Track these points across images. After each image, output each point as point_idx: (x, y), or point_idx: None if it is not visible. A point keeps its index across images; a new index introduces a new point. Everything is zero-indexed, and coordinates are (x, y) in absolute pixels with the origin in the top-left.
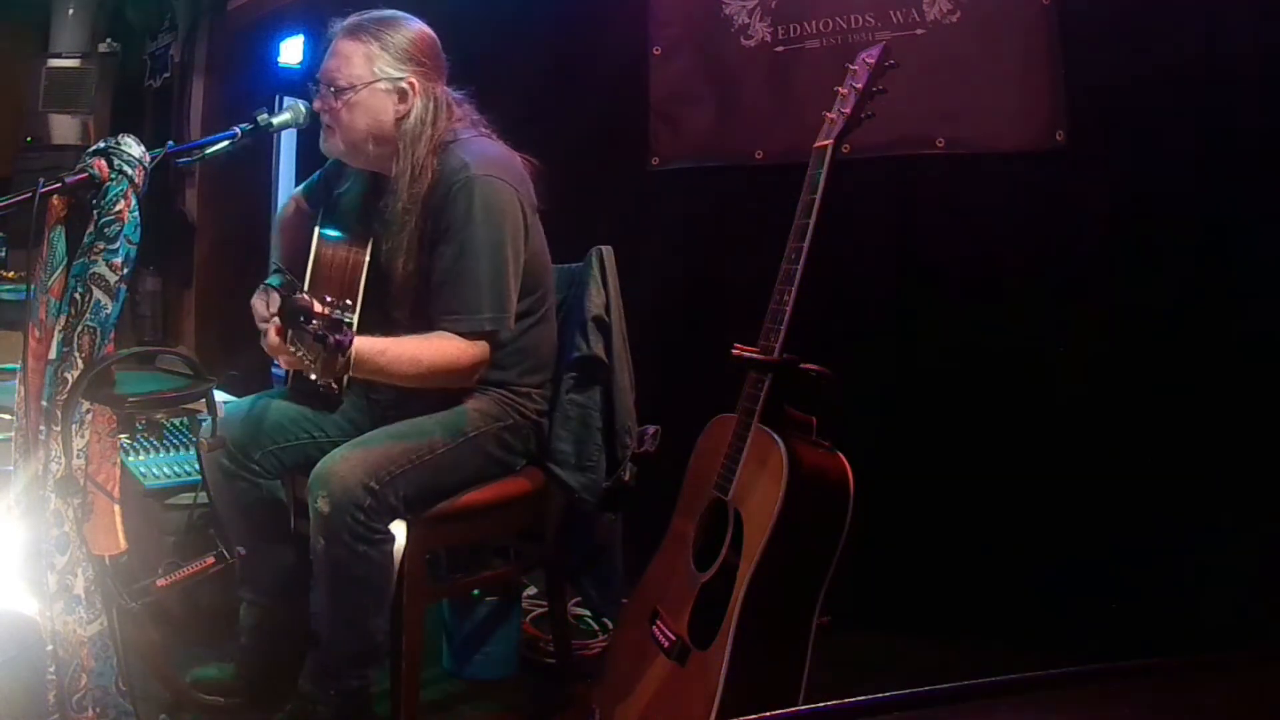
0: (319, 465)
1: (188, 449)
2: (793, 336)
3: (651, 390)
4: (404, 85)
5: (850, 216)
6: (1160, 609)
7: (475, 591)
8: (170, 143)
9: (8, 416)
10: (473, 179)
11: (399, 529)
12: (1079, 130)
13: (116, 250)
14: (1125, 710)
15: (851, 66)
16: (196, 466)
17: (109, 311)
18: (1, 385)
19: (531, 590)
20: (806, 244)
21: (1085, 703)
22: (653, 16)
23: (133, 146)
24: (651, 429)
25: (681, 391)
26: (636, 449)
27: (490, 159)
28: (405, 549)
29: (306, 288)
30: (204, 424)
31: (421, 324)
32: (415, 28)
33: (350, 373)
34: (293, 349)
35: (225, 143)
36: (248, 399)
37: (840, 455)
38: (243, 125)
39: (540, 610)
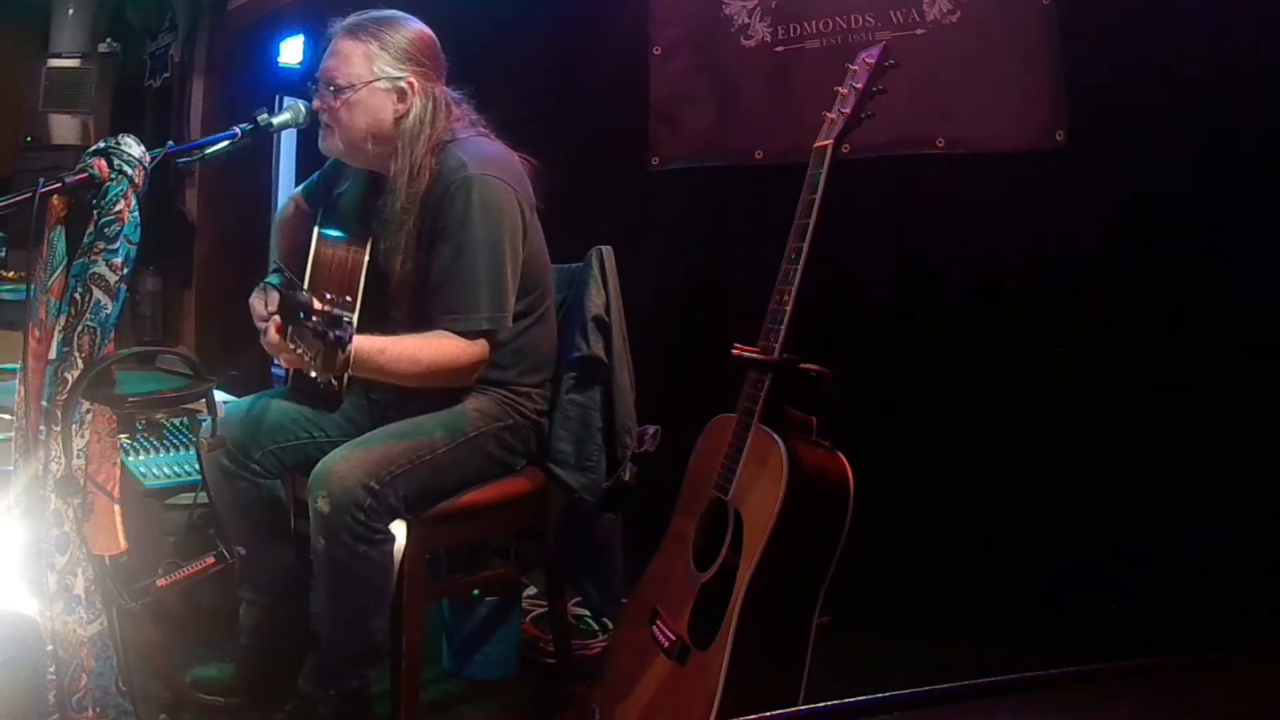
0: (319, 465)
1: (188, 449)
2: (793, 336)
3: (651, 390)
4: (403, 85)
5: (850, 216)
6: (1160, 609)
7: (475, 591)
8: (170, 143)
9: (8, 416)
10: (470, 178)
11: (399, 529)
12: (1079, 130)
13: (116, 250)
14: (1125, 710)
15: (851, 66)
16: (196, 466)
17: (109, 311)
18: (1, 385)
19: (531, 590)
20: (806, 244)
21: (1085, 703)
22: (653, 16)
23: (133, 146)
24: (651, 429)
25: (681, 391)
26: (636, 449)
27: (488, 158)
28: (405, 549)
29: (306, 287)
30: (204, 424)
31: (419, 323)
32: (414, 28)
33: (350, 371)
34: (292, 346)
35: (225, 143)
36: (247, 399)
37: (840, 455)
38: (243, 125)
39: (540, 610)
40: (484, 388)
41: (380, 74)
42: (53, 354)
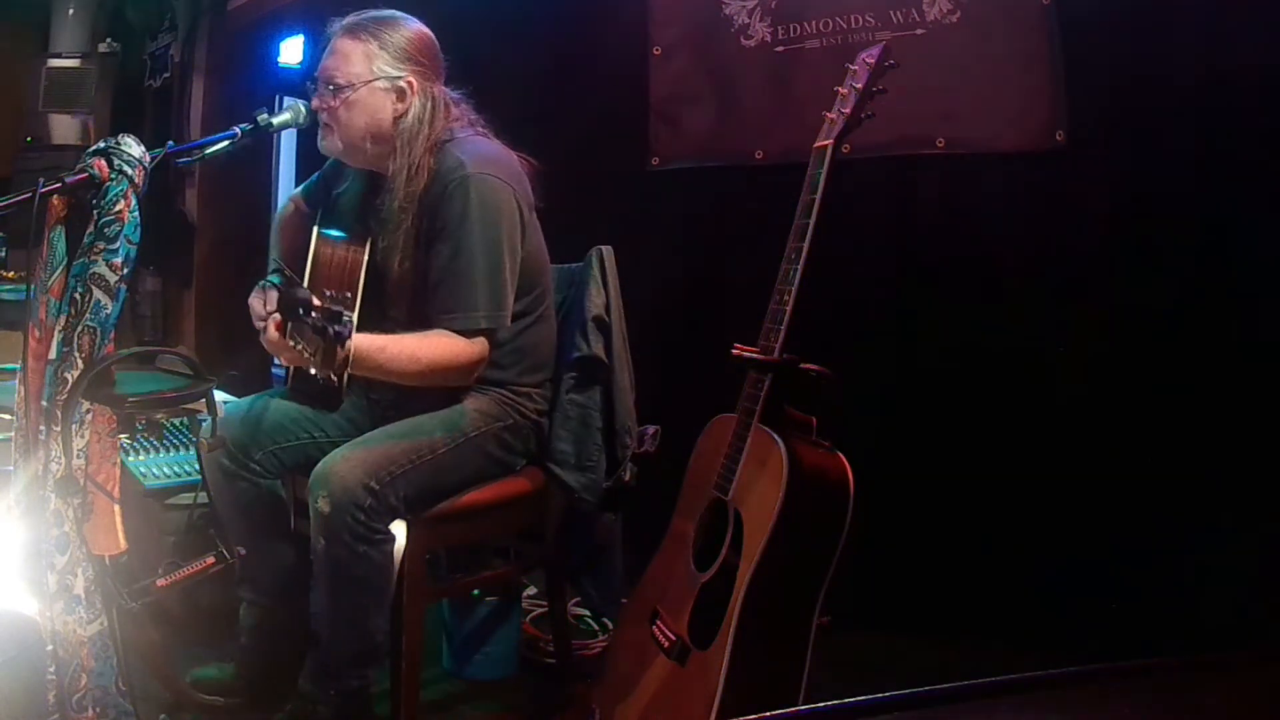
0: (319, 465)
1: (188, 449)
2: (793, 336)
3: (651, 390)
4: (402, 84)
5: (850, 216)
6: (1160, 609)
7: (475, 591)
8: (170, 143)
9: (8, 416)
10: (469, 177)
11: (399, 529)
12: (1079, 130)
13: (116, 250)
14: (1125, 710)
15: (851, 66)
16: (196, 466)
17: (109, 311)
18: (1, 385)
19: (531, 590)
20: (806, 244)
21: (1085, 703)
22: (653, 16)
23: (133, 146)
24: (651, 429)
25: (681, 391)
26: (636, 449)
27: (486, 157)
28: (405, 549)
29: (306, 285)
30: (204, 424)
31: (418, 322)
32: (413, 27)
33: (350, 369)
34: (292, 343)
35: (225, 143)
36: (247, 399)
37: (840, 455)
38: (243, 125)
39: (540, 610)
40: (484, 388)
41: (379, 73)
42: (53, 354)
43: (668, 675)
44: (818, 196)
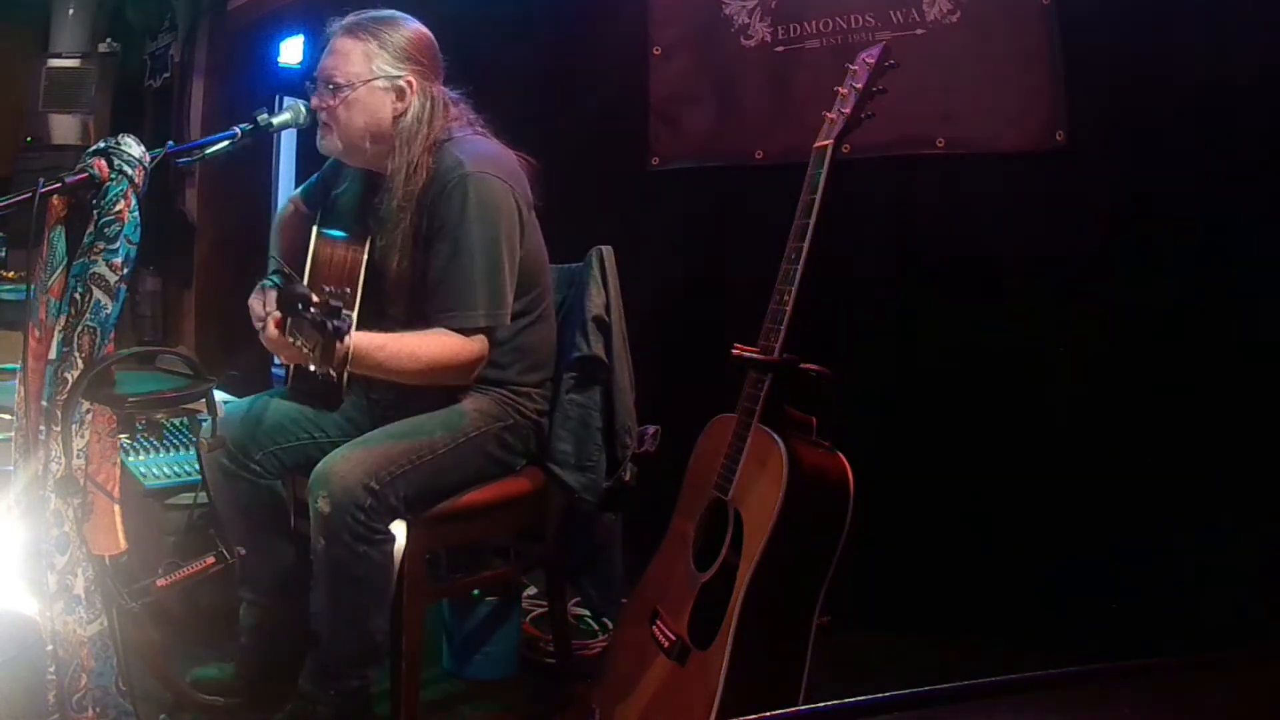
0: (319, 465)
1: (188, 449)
2: (793, 336)
3: (651, 390)
4: (402, 83)
5: (850, 216)
6: (1160, 609)
7: (475, 591)
8: (170, 143)
9: (8, 416)
10: (467, 176)
11: (399, 529)
12: (1079, 130)
13: (116, 250)
14: (1125, 710)
15: (851, 66)
16: (196, 466)
17: (109, 311)
18: (1, 385)
19: (531, 590)
20: (806, 244)
21: (1085, 703)
22: (653, 16)
23: (133, 146)
24: (651, 429)
25: (681, 391)
26: (636, 449)
27: (485, 156)
28: (405, 549)
29: (305, 284)
30: (204, 424)
31: (416, 321)
32: (412, 27)
33: (349, 367)
34: (291, 339)
35: (225, 143)
36: (247, 399)
37: (840, 455)
38: (243, 125)
39: (540, 610)
40: (484, 388)
41: (379, 73)
42: (53, 354)
43: (668, 675)
44: (818, 196)
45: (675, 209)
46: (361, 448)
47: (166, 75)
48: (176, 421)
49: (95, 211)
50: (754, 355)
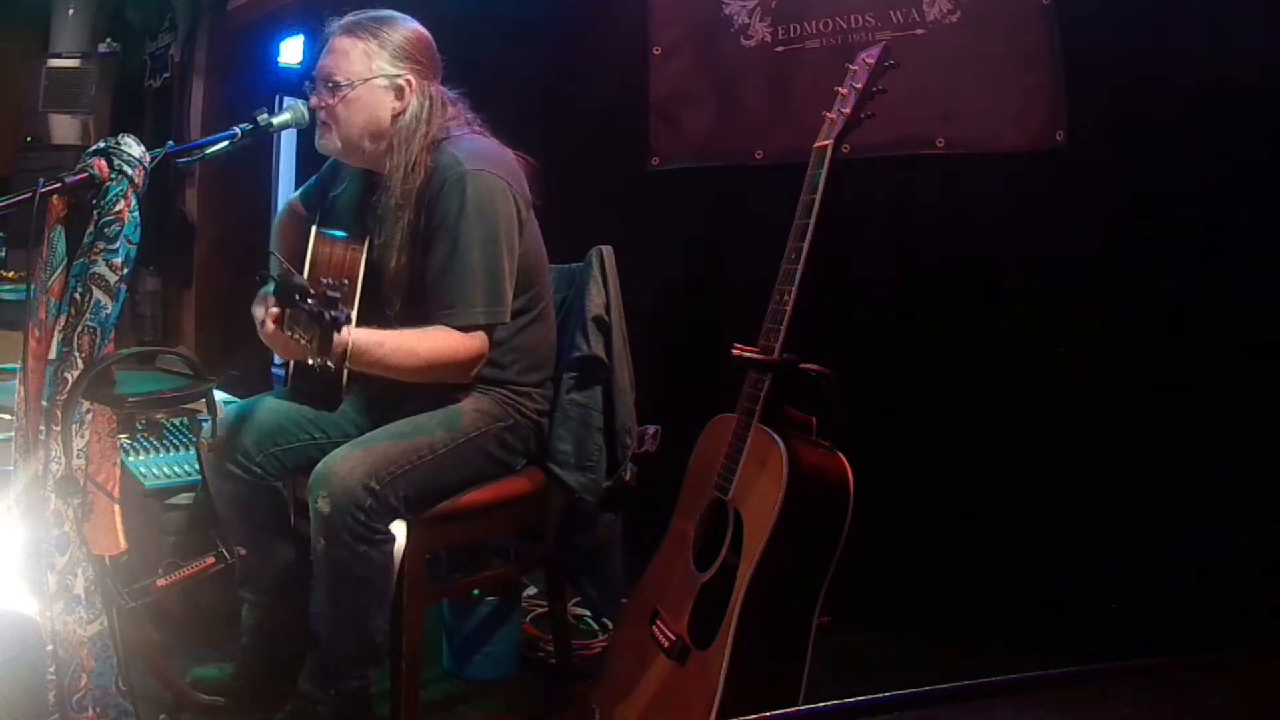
0: (319, 465)
1: (188, 449)
2: (793, 336)
3: (651, 390)
4: (401, 82)
5: (850, 216)
6: (1160, 609)
7: (475, 591)
8: (170, 143)
9: (8, 416)
10: (465, 174)
11: (399, 529)
12: (1079, 130)
13: (116, 250)
14: (1125, 710)
15: (851, 66)
16: (196, 466)
17: (109, 311)
18: (1, 385)
19: (531, 590)
20: (806, 244)
21: (1085, 703)
22: (653, 16)
23: (133, 146)
24: (651, 429)
25: (681, 391)
26: (636, 449)
27: (483, 154)
28: (405, 549)
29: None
30: (204, 424)
31: (413, 320)
32: (411, 26)
33: (348, 364)
34: (289, 333)
35: (225, 143)
36: (248, 400)
37: (840, 455)
38: (243, 125)
39: (540, 610)
40: (484, 387)
41: (378, 71)
42: (53, 354)
43: (668, 675)
44: (818, 196)
45: (675, 209)
46: (361, 448)
47: (166, 75)
48: (176, 421)
49: (95, 211)
50: (754, 355)
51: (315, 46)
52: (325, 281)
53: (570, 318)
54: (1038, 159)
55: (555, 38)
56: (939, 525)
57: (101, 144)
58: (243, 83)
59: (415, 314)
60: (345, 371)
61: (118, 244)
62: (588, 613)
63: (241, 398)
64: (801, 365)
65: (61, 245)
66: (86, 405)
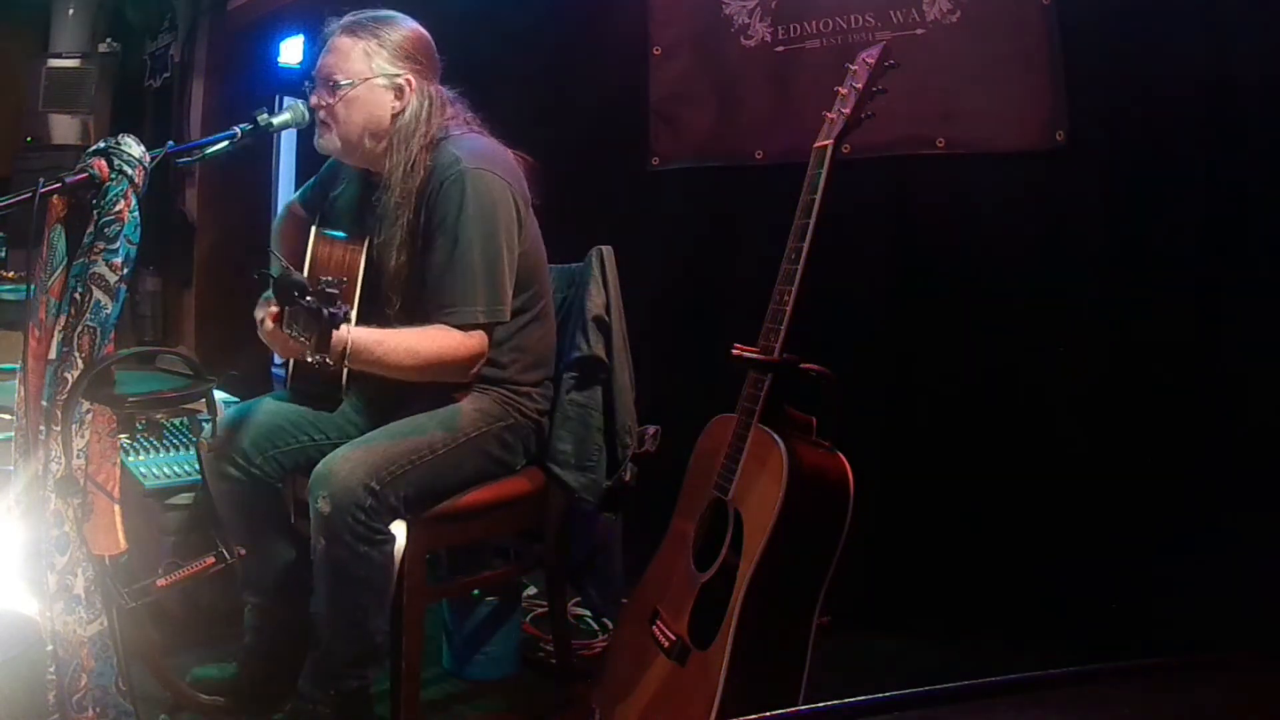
0: (319, 465)
1: (188, 449)
2: (793, 336)
3: (651, 390)
4: (401, 82)
5: (850, 217)
6: (1160, 609)
7: (475, 591)
8: (170, 143)
9: (8, 416)
10: (465, 172)
11: (399, 529)
12: (1079, 130)
13: (116, 250)
14: (1125, 710)
15: (851, 66)
16: (196, 466)
17: (109, 311)
18: (1, 385)
19: (531, 590)
20: (806, 244)
21: (1085, 703)
22: (653, 16)
23: (133, 146)
24: (651, 429)
25: (681, 391)
26: (636, 449)
27: (482, 153)
28: (405, 549)
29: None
30: (204, 424)
31: (413, 319)
32: (410, 26)
33: (347, 362)
34: (288, 331)
35: (225, 143)
36: (247, 402)
37: (840, 455)
38: (243, 125)
39: (540, 610)
40: (484, 387)
41: (378, 71)
42: (53, 354)
43: (668, 675)
44: (818, 197)
45: (675, 209)
46: (362, 448)
47: (166, 75)
48: (176, 421)
49: (95, 211)
50: (754, 355)
51: (315, 46)
52: (324, 279)
53: (570, 318)
54: (1038, 159)
55: (555, 38)
56: (939, 525)
57: (101, 144)
58: (243, 83)
59: (415, 313)
60: (345, 371)
61: (118, 244)
62: (588, 613)
63: (241, 398)
64: (801, 365)
65: (61, 245)
66: (86, 405)
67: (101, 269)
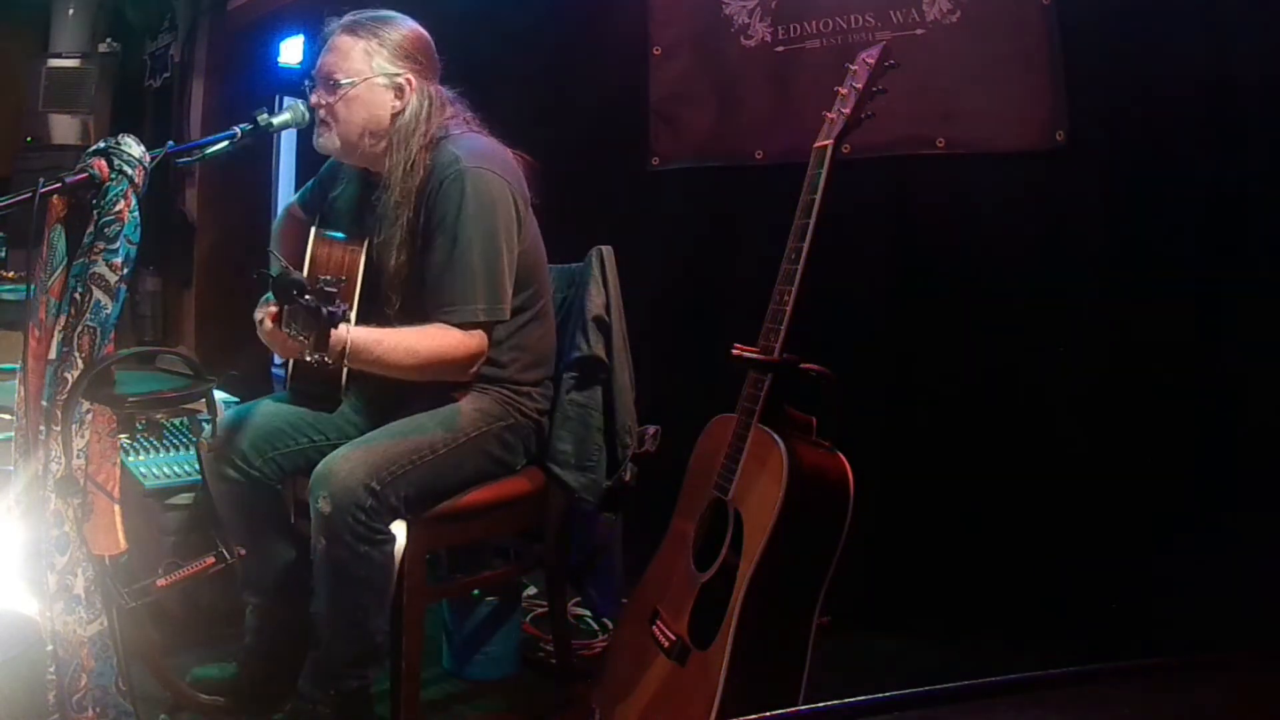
0: (320, 466)
1: (188, 449)
2: (793, 336)
3: (651, 390)
4: (401, 81)
5: (850, 217)
6: (1160, 609)
7: (475, 591)
8: (170, 143)
9: (8, 416)
10: (464, 171)
11: (399, 529)
12: (1079, 130)
13: (116, 250)
14: (1125, 710)
15: (851, 66)
16: (196, 466)
17: (109, 311)
18: (1, 385)
19: (531, 590)
20: (806, 244)
21: (1085, 703)
22: (653, 16)
23: (133, 146)
24: (651, 429)
25: (681, 391)
26: (636, 449)
27: (482, 153)
28: (405, 549)
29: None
30: (204, 424)
31: (413, 318)
32: (410, 26)
33: (347, 361)
34: (288, 330)
35: (225, 143)
36: (247, 404)
37: (840, 455)
38: (243, 125)
39: (540, 610)
40: (484, 387)
41: (379, 70)
42: (53, 354)
43: (668, 675)
44: (818, 196)
45: (675, 209)
46: (362, 448)
47: (166, 75)
48: (176, 421)
49: (95, 211)
50: (754, 355)
51: (315, 46)
52: (323, 278)
53: (570, 318)
54: (1038, 159)
55: (555, 38)
56: (939, 525)
57: (101, 144)
58: (243, 83)
59: (415, 312)
60: (344, 371)
61: (118, 244)
62: (588, 613)
63: (242, 398)
64: (801, 365)
65: (61, 245)
66: (86, 405)
67: (101, 269)
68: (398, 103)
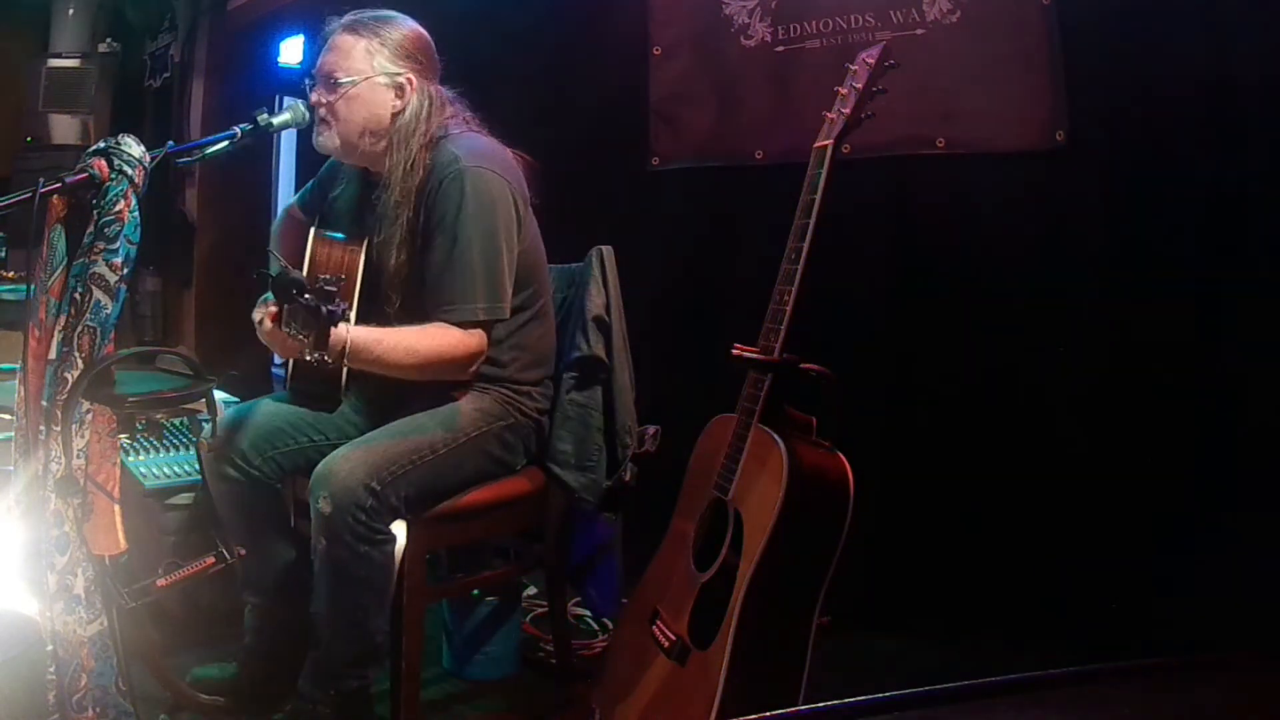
0: (320, 466)
1: (188, 449)
2: (793, 336)
3: (651, 390)
4: (401, 81)
5: (850, 217)
6: (1160, 609)
7: (475, 591)
8: (170, 143)
9: (8, 416)
10: (464, 170)
11: (400, 529)
12: (1079, 130)
13: (116, 250)
14: (1125, 710)
15: (851, 66)
16: (196, 466)
17: (109, 311)
18: (1, 385)
19: (531, 590)
20: (806, 244)
21: (1085, 703)
22: (653, 16)
23: (133, 146)
24: (651, 429)
25: (681, 391)
26: (636, 449)
27: (481, 152)
28: (406, 549)
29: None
30: (204, 424)
31: (413, 317)
32: (410, 26)
33: (347, 361)
34: (287, 330)
35: (225, 143)
36: (247, 404)
37: (840, 455)
38: (243, 125)
39: (540, 610)
40: (484, 386)
41: (379, 69)
42: (53, 354)
43: (668, 675)
44: (818, 196)
45: (675, 209)
46: (362, 448)
47: (166, 75)
48: (176, 421)
49: (95, 211)
50: (754, 355)
51: (315, 46)
52: (322, 277)
53: (570, 317)
54: (1038, 159)
55: (555, 38)
56: (939, 525)
57: (101, 144)
58: (243, 83)
59: (414, 311)
60: (344, 371)
61: (118, 244)
62: (588, 613)
63: (242, 398)
64: (801, 365)
65: (61, 245)
66: (86, 405)
67: (101, 269)
68: (398, 102)
